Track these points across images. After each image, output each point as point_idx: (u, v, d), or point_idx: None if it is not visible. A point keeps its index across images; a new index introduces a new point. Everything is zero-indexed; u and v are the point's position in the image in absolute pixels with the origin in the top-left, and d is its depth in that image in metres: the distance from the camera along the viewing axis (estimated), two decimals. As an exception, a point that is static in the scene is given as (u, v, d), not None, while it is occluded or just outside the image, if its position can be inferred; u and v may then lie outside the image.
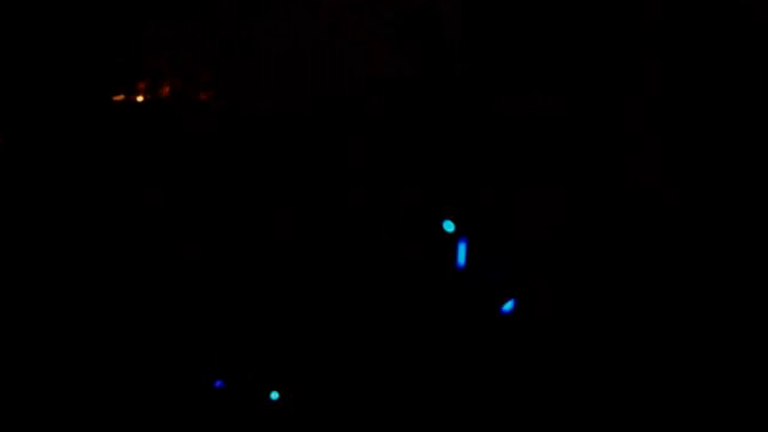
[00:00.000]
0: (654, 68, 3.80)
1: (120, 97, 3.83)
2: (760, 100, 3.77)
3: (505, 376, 3.71)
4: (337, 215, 3.80)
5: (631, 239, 3.76)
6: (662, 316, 3.72)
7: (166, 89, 3.84)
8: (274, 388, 3.70)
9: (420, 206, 3.79)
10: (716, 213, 3.75)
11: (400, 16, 3.90)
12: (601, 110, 3.82)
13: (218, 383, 3.69)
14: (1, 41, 3.79)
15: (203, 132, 3.82)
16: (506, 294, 3.71)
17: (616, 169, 3.80)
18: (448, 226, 3.73)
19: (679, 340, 3.69)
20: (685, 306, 3.71)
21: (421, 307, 3.76)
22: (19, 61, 3.80)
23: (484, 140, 3.83)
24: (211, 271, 3.75)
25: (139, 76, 3.84)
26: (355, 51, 3.89)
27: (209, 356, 3.70)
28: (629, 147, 3.80)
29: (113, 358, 3.67)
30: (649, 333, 3.71)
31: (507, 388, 3.71)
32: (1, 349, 3.66)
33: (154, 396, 3.66)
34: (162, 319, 3.71)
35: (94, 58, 3.82)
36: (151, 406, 3.66)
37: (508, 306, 3.70)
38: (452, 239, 3.74)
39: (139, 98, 3.83)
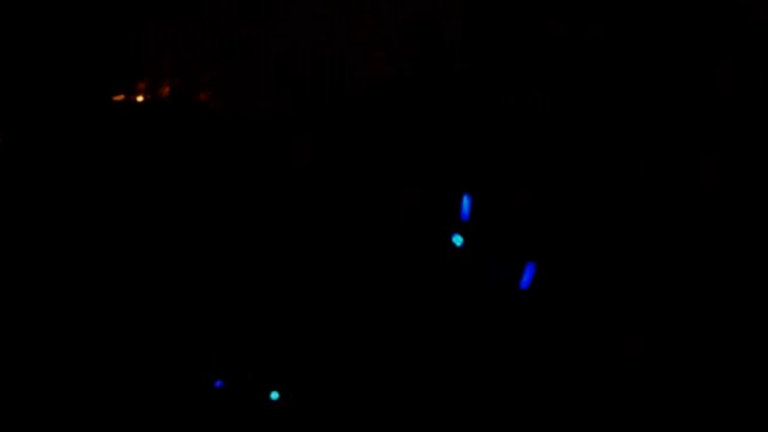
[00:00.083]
0: (654, 67, 3.81)
1: (120, 97, 3.83)
2: (760, 100, 3.78)
3: (505, 376, 3.71)
4: (337, 215, 3.80)
5: (631, 239, 3.77)
6: (662, 316, 3.72)
7: (166, 89, 3.84)
8: (274, 388, 3.70)
9: (420, 206, 3.79)
10: (716, 213, 3.76)
11: (400, 17, 3.90)
12: (602, 110, 3.82)
13: (218, 383, 3.68)
14: (1, 41, 3.79)
15: (203, 132, 3.82)
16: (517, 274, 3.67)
17: (616, 169, 3.80)
18: (457, 240, 3.73)
19: (686, 339, 3.69)
20: (686, 305, 3.71)
21: (421, 307, 3.76)
22: (19, 61, 3.80)
23: (484, 140, 3.84)
24: (211, 271, 3.75)
25: (139, 76, 3.84)
26: (355, 51, 3.90)
27: (209, 356, 3.70)
28: (629, 147, 3.80)
29: (113, 358, 3.67)
30: (649, 333, 3.71)
31: (507, 389, 3.70)
32: (1, 349, 3.65)
33: (154, 396, 3.65)
34: (162, 319, 3.71)
35: (94, 58, 3.82)
36: (152, 406, 3.65)
37: (527, 277, 3.66)
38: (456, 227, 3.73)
39: (139, 98, 3.83)
